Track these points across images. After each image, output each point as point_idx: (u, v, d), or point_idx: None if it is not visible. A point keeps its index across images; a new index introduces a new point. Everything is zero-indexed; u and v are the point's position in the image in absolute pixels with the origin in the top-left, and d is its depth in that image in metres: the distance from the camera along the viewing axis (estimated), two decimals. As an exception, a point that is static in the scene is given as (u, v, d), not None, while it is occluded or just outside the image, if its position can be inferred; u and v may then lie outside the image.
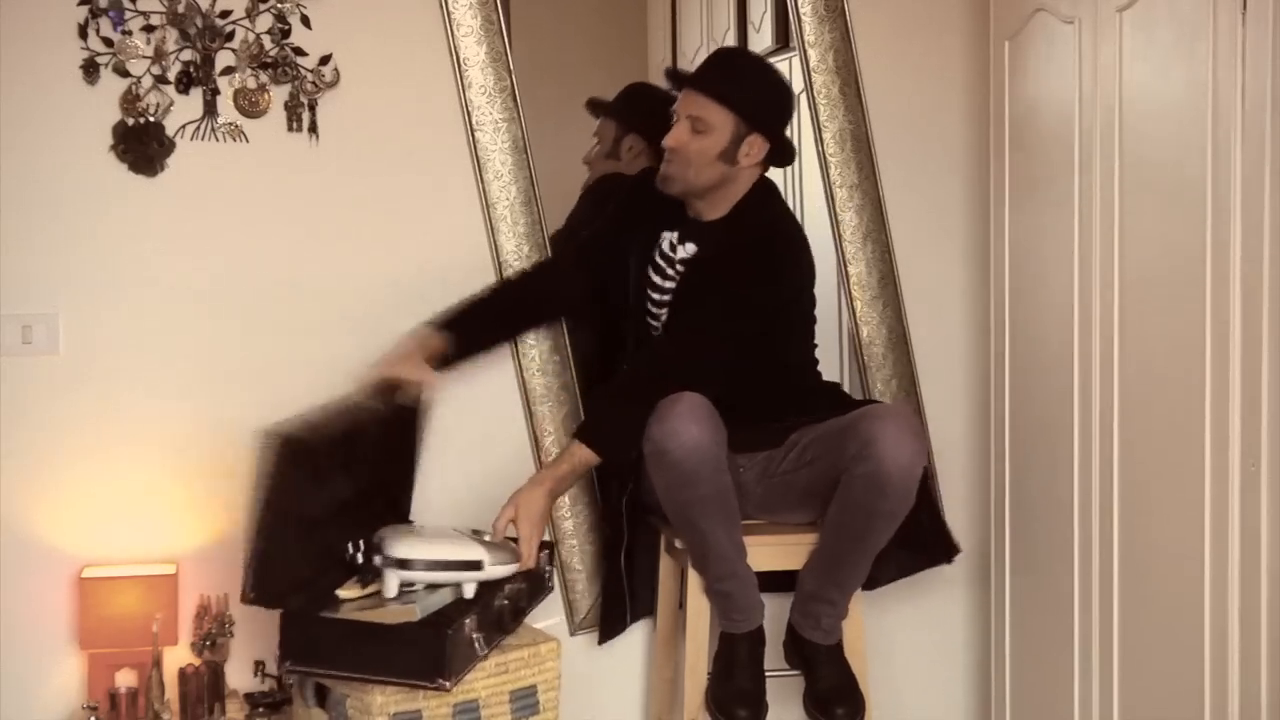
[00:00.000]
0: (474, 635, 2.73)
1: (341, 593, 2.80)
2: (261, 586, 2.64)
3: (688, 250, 3.05)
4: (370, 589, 2.81)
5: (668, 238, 3.08)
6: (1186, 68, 2.46)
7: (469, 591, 2.82)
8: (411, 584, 2.81)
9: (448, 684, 2.64)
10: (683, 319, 3.00)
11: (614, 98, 3.49)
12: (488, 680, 2.81)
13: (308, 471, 2.71)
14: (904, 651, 3.49)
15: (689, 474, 2.76)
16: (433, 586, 2.82)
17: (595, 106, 3.51)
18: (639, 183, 3.18)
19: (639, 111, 3.37)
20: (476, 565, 2.81)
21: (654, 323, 3.10)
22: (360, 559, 2.83)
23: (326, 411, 2.80)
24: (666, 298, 3.07)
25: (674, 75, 3.15)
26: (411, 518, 3.13)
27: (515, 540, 2.90)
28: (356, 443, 2.90)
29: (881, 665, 3.22)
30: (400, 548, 2.80)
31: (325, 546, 2.83)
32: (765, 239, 3.02)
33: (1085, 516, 2.86)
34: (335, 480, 2.87)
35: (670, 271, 3.07)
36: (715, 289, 2.96)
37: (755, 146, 2.98)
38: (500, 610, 2.84)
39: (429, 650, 2.64)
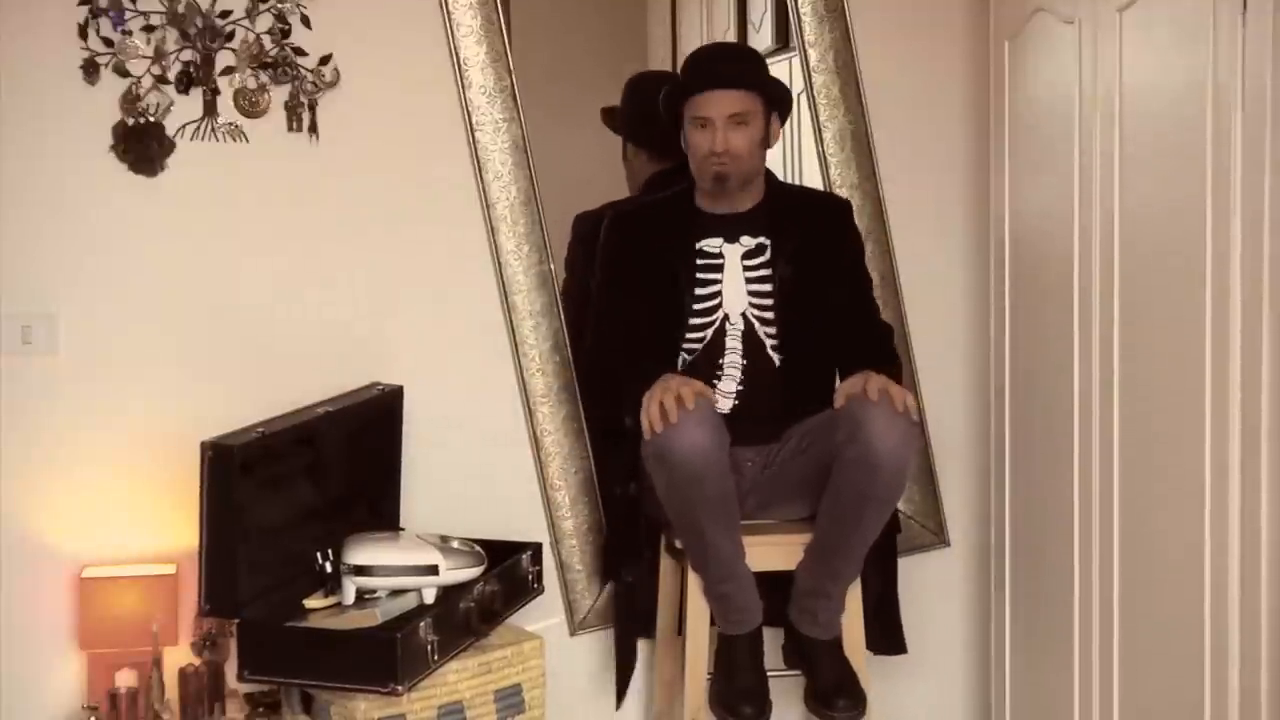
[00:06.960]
0: (430, 639, 2.72)
1: (309, 602, 2.82)
2: (216, 598, 2.66)
3: (747, 244, 3.08)
4: (335, 598, 2.83)
5: (708, 245, 3.08)
6: (1186, 67, 2.46)
7: (429, 596, 2.83)
8: (372, 590, 2.82)
9: (400, 688, 2.63)
10: (860, 303, 3.16)
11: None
12: (471, 680, 2.82)
13: (261, 480, 2.72)
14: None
15: (693, 476, 2.77)
16: (397, 592, 2.83)
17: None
18: (622, 222, 3.16)
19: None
20: (433, 570, 2.82)
21: (762, 326, 3.07)
22: (329, 568, 2.85)
23: (278, 421, 2.81)
24: (768, 301, 3.07)
25: (672, 91, 3.09)
26: (403, 524, 3.12)
27: None
28: (317, 449, 2.90)
29: (880, 662, 3.21)
30: (357, 554, 2.81)
31: (291, 554, 2.84)
32: (835, 208, 3.22)
33: (1085, 516, 2.86)
34: (297, 488, 2.87)
35: (756, 274, 3.07)
36: (850, 268, 3.17)
37: (775, 127, 3.09)
38: (466, 613, 2.84)
39: (380, 655, 2.64)
